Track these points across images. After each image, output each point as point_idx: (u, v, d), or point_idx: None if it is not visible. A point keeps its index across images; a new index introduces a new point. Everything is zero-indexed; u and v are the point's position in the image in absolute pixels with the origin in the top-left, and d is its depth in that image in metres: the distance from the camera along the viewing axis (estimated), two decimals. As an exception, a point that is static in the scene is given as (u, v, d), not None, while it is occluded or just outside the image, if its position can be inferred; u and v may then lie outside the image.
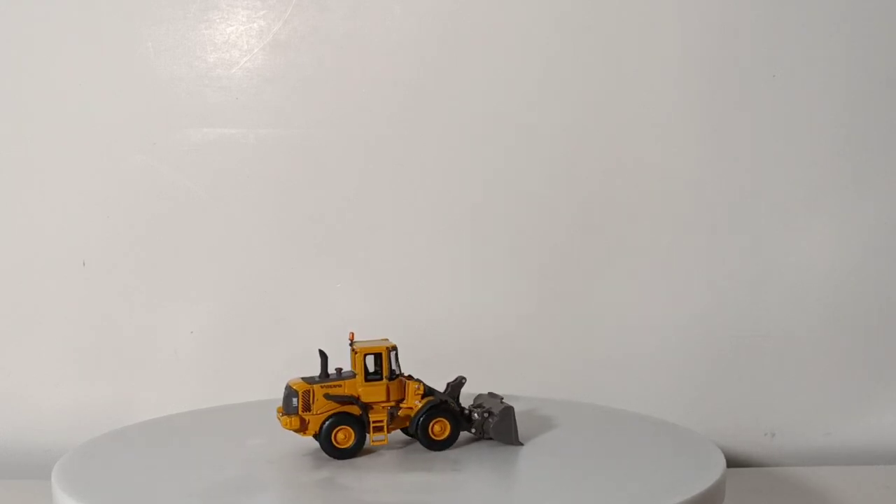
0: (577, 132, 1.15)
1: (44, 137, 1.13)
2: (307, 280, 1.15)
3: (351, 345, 0.85)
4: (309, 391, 0.81)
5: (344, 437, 0.82)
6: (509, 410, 0.86)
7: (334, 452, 0.82)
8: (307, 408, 0.81)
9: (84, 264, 1.13)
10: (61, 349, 1.14)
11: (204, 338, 1.15)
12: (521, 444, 0.86)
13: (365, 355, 0.84)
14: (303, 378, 0.83)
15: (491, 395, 0.89)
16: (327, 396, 0.82)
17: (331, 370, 0.84)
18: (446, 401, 0.85)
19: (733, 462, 1.08)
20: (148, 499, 0.73)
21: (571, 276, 1.16)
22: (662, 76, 1.15)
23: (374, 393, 0.83)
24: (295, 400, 0.81)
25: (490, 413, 0.86)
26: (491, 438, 0.87)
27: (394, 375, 0.84)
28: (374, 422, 0.83)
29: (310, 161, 1.14)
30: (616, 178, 1.15)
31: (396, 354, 0.85)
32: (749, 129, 1.15)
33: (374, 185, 1.15)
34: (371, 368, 0.84)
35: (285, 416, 0.82)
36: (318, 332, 1.14)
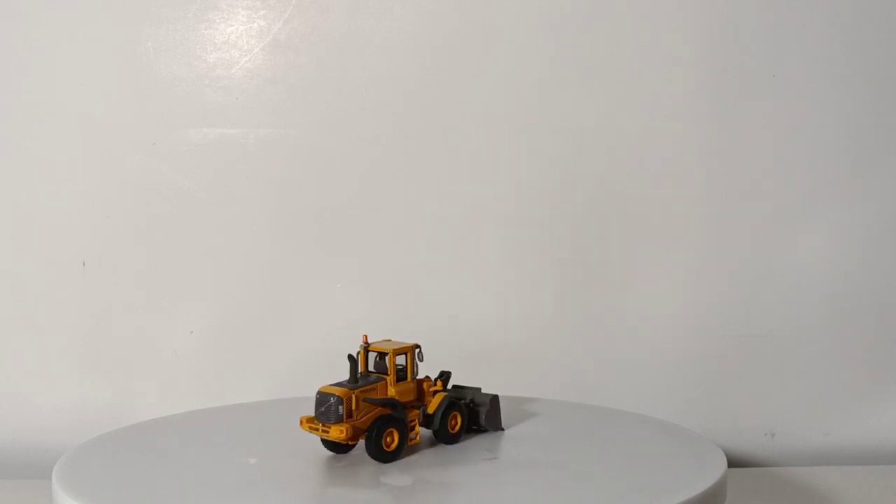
0: (577, 134, 1.15)
1: (44, 137, 1.13)
2: (307, 280, 1.15)
3: (367, 347, 0.83)
4: (351, 397, 0.79)
5: (390, 439, 0.80)
6: (496, 399, 0.88)
7: (384, 456, 0.80)
8: (350, 415, 0.79)
9: (84, 264, 1.13)
10: (61, 349, 1.14)
11: (204, 338, 1.15)
12: (503, 430, 0.89)
13: (396, 355, 0.83)
14: (333, 385, 0.80)
15: (456, 387, 0.90)
16: (368, 401, 0.80)
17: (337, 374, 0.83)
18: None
19: (734, 462, 1.08)
20: (148, 499, 0.73)
21: (572, 278, 1.16)
22: (663, 77, 1.15)
23: (404, 393, 0.83)
24: (341, 408, 0.78)
25: (475, 403, 0.88)
26: (477, 427, 0.88)
27: (415, 374, 0.85)
28: (408, 421, 0.82)
29: (310, 161, 1.14)
30: (617, 181, 1.15)
31: (421, 353, 0.85)
32: (749, 128, 1.15)
33: (375, 186, 1.15)
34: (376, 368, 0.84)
35: (336, 426, 0.78)
36: (317, 333, 1.15)
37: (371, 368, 0.84)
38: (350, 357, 0.82)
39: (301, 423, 0.81)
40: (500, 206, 1.15)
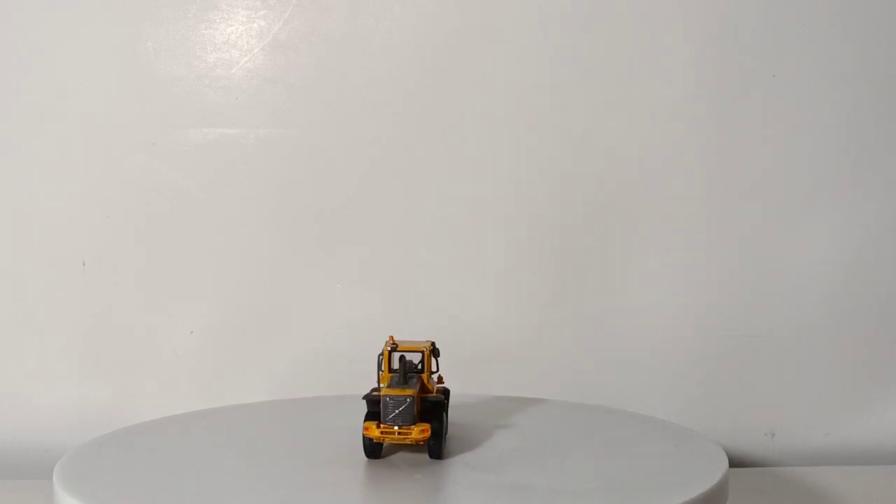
0: (577, 134, 1.15)
1: (44, 137, 1.12)
2: (307, 280, 1.15)
3: (395, 347, 0.82)
4: (417, 398, 0.78)
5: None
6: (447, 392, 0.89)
7: (440, 453, 0.80)
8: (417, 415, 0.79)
9: (84, 264, 1.13)
10: (61, 349, 1.14)
11: (204, 338, 1.15)
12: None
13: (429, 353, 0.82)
14: (392, 387, 0.79)
15: None
16: (426, 400, 0.79)
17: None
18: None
19: (734, 462, 1.08)
20: (149, 499, 0.73)
21: (572, 278, 1.16)
22: (663, 77, 1.15)
23: (431, 389, 0.83)
24: (414, 408, 0.77)
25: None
26: None
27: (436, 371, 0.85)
28: None
29: (310, 161, 1.14)
30: (616, 181, 1.15)
31: (437, 349, 0.85)
32: (749, 128, 1.15)
33: (375, 186, 1.15)
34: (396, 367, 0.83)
35: (417, 427, 0.77)
36: (318, 333, 1.14)
37: (394, 368, 0.83)
38: (402, 358, 0.81)
39: (368, 429, 0.78)
40: (500, 206, 1.15)
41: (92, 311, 1.14)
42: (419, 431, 0.77)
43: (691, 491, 0.72)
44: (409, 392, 0.77)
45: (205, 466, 0.81)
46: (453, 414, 0.87)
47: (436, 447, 0.79)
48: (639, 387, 1.16)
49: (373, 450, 0.80)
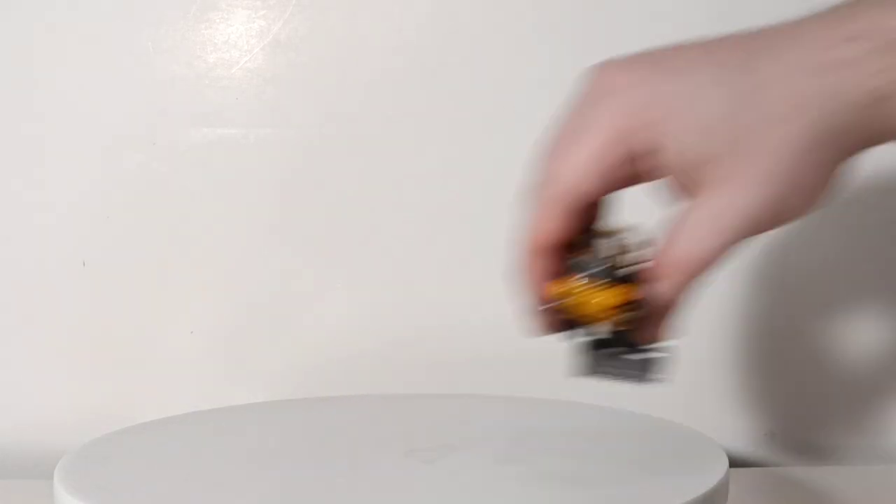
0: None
1: (43, 137, 1.12)
2: (307, 280, 1.15)
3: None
4: None
5: None
6: None
7: None
8: None
9: (84, 264, 1.13)
10: (61, 349, 1.14)
11: (204, 338, 1.15)
12: None
13: None
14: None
15: None
16: None
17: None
18: None
19: (733, 462, 1.07)
20: (150, 498, 0.73)
21: (571, 276, 1.16)
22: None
23: None
24: None
25: None
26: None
27: None
28: None
29: (310, 161, 1.14)
30: (616, 179, 1.15)
31: None
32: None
33: (375, 186, 1.15)
34: None
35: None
36: (317, 333, 1.15)
37: None
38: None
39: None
40: (501, 205, 1.15)
41: (92, 311, 1.14)
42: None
43: (691, 491, 0.72)
44: None
45: (206, 467, 0.81)
46: (452, 413, 0.87)
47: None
48: (639, 387, 1.16)
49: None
